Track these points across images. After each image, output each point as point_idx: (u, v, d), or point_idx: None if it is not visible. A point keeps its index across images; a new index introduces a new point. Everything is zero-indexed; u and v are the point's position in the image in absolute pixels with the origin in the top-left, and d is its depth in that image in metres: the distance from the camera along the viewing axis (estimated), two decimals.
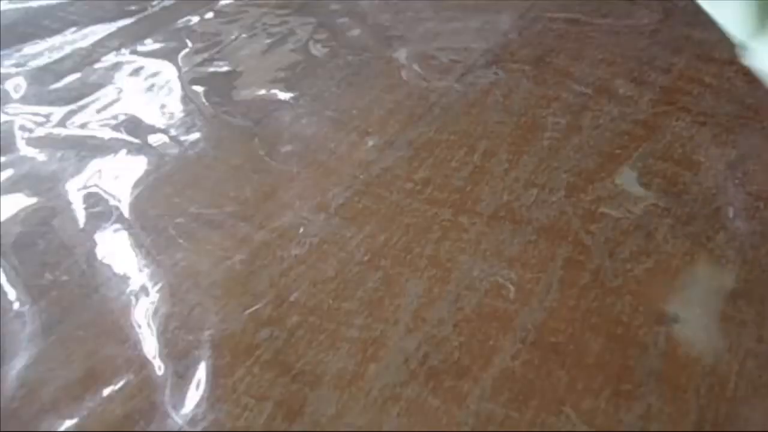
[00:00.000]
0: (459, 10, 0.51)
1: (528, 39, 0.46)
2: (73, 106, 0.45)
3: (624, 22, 0.48)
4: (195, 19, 0.56)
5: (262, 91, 0.44)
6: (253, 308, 0.28)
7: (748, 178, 0.30)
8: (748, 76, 0.35)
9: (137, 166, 0.39)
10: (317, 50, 0.49)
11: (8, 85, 0.48)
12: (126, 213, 0.34)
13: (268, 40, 0.51)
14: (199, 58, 0.49)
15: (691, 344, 0.24)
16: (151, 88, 0.46)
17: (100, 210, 0.35)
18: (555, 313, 0.26)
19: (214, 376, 0.25)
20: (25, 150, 0.41)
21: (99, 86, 0.47)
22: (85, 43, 0.54)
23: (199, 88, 0.46)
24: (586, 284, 0.27)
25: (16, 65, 0.51)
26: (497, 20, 0.48)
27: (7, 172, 0.39)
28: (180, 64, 0.49)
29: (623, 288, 0.26)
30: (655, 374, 0.23)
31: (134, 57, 0.51)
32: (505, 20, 0.48)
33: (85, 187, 0.37)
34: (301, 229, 0.32)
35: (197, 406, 0.24)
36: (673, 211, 0.30)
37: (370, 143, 0.37)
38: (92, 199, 0.36)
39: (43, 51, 0.53)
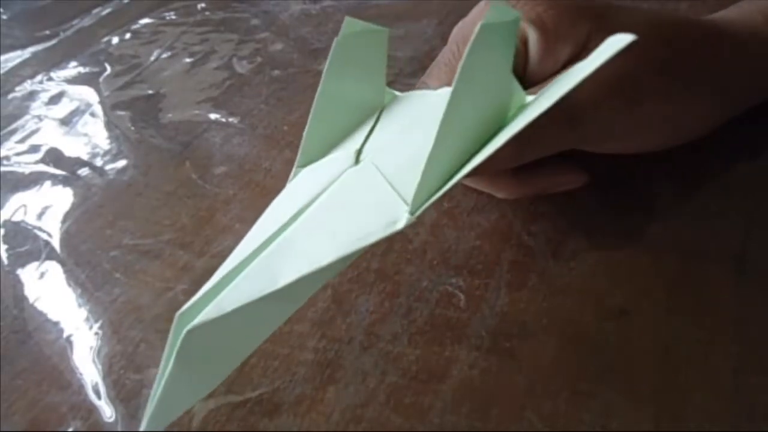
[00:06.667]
0: (379, 19, 0.51)
1: None
2: None
3: None
4: (112, 41, 0.55)
5: (189, 113, 0.43)
6: None
7: (676, 163, 0.31)
8: None
9: (64, 198, 0.37)
10: (242, 67, 0.48)
11: None
12: (57, 249, 0.33)
13: (190, 60, 0.50)
14: (120, 82, 0.48)
15: (641, 337, 0.25)
16: (71, 115, 0.45)
17: (27, 248, 0.34)
18: (506, 317, 0.26)
19: None
20: None
21: (15, 117, 0.45)
22: None
23: (122, 113, 0.44)
24: (534, 286, 0.27)
25: None
26: (418, 27, 0.49)
27: None
28: (101, 88, 0.47)
29: (570, 287, 0.27)
30: (610, 370, 0.24)
31: (51, 84, 0.49)
32: (426, 27, 0.49)
33: (8, 225, 0.36)
34: None
35: None
36: (610, 205, 0.30)
37: None
38: (18, 237, 0.35)
39: None
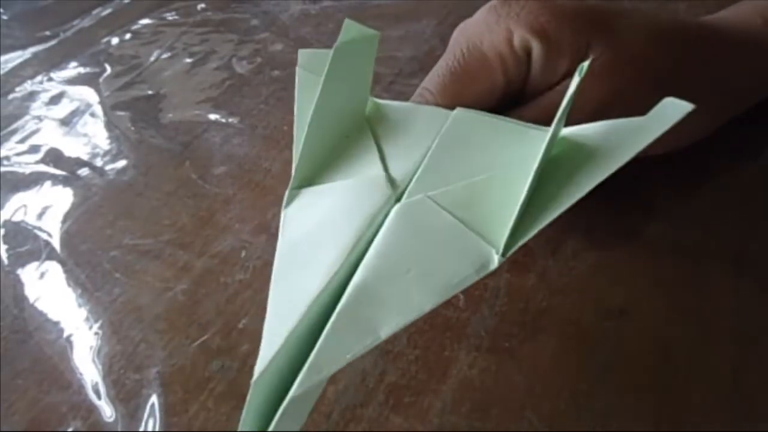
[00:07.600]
0: (379, 19, 0.51)
1: None
2: None
3: None
4: (112, 42, 0.55)
5: (189, 113, 0.43)
6: (201, 339, 0.27)
7: (676, 164, 0.31)
8: None
9: (64, 199, 0.37)
10: (242, 67, 0.48)
11: None
12: (57, 249, 0.33)
13: (190, 60, 0.50)
14: (120, 82, 0.48)
15: (641, 337, 0.25)
16: (72, 115, 0.45)
17: (27, 248, 0.34)
18: (506, 317, 0.26)
19: (166, 414, 0.24)
20: None
21: (16, 118, 0.45)
22: None
23: (122, 114, 0.44)
24: (533, 286, 0.27)
25: None
26: (418, 28, 0.49)
27: None
28: (101, 89, 0.47)
29: (569, 287, 0.27)
30: (610, 370, 0.24)
31: (51, 84, 0.49)
32: (425, 27, 0.49)
33: (8, 225, 0.36)
34: (243, 253, 0.31)
35: None
36: (610, 205, 0.30)
37: None
38: (19, 237, 0.35)
39: None
